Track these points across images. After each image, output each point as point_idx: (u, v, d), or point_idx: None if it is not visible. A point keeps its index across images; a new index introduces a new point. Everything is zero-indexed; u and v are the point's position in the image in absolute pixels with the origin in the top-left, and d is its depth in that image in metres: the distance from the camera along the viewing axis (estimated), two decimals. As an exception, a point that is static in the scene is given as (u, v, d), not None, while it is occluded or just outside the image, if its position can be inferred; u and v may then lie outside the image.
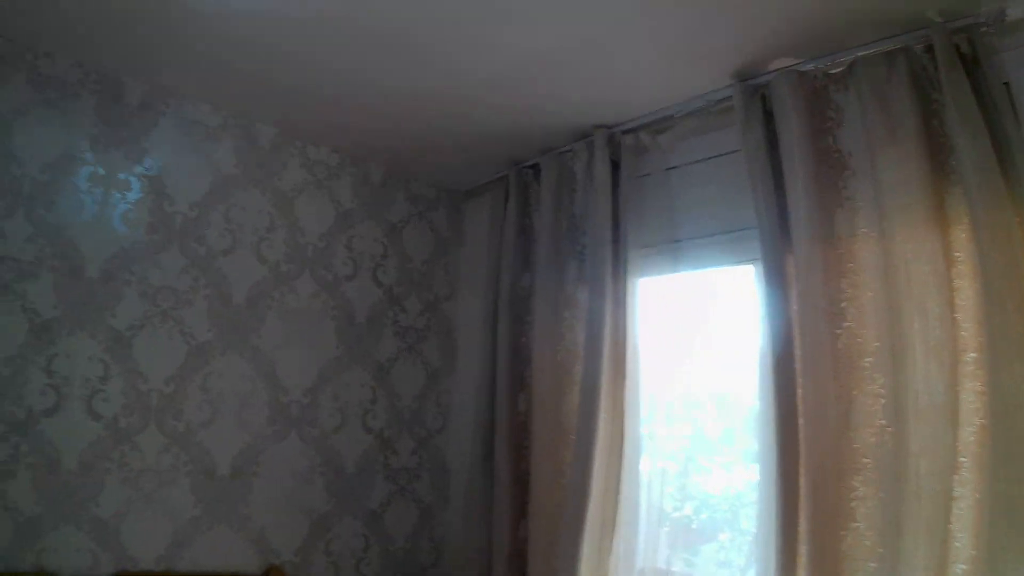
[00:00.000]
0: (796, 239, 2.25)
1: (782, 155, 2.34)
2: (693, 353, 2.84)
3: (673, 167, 2.89)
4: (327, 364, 3.39)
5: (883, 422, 2.08)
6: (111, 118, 2.92)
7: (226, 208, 3.15)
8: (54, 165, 2.77)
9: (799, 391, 2.19)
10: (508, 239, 3.33)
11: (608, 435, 2.72)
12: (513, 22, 2.39)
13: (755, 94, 2.47)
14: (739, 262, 2.64)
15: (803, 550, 2.11)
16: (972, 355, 1.96)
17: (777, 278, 2.29)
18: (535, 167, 3.33)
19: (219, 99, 3.16)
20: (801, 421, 2.19)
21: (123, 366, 2.86)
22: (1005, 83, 2.07)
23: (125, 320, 2.88)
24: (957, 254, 2.05)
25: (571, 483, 2.76)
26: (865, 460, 2.09)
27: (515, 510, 3.13)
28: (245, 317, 3.17)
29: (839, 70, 2.34)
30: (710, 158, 2.78)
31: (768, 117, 2.43)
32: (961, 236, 2.05)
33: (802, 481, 2.16)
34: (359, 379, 3.48)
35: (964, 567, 1.86)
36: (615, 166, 2.92)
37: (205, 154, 3.14)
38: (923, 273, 2.03)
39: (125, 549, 2.84)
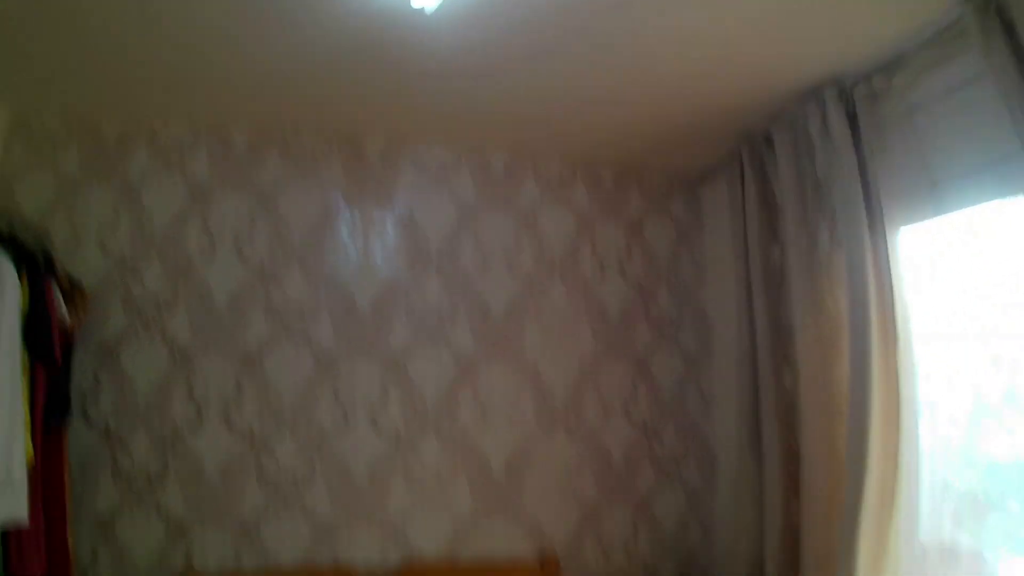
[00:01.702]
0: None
1: (1034, 68, 2.07)
2: (969, 303, 2.67)
3: (915, 106, 2.72)
4: (587, 362, 3.71)
5: None
6: (358, 174, 3.51)
7: (474, 233, 3.63)
8: (317, 222, 3.41)
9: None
10: (751, 215, 3.37)
11: (883, 405, 2.64)
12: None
13: (988, 9, 2.28)
14: (1008, 194, 2.42)
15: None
16: None
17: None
18: (767, 138, 3.32)
19: (452, 139, 3.67)
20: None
21: (400, 386, 3.40)
22: None
23: (399, 345, 3.42)
24: None
25: (847, 457, 2.73)
26: None
27: (786, 489, 3.16)
28: (505, 328, 3.59)
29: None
30: (955, 89, 2.57)
31: (1009, 29, 2.22)
32: None
33: None
34: (619, 373, 3.76)
35: None
36: (852, 119, 2.84)
37: (447, 189, 3.64)
38: None
39: (411, 543, 3.36)
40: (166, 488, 3.09)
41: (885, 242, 2.71)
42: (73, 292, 2.76)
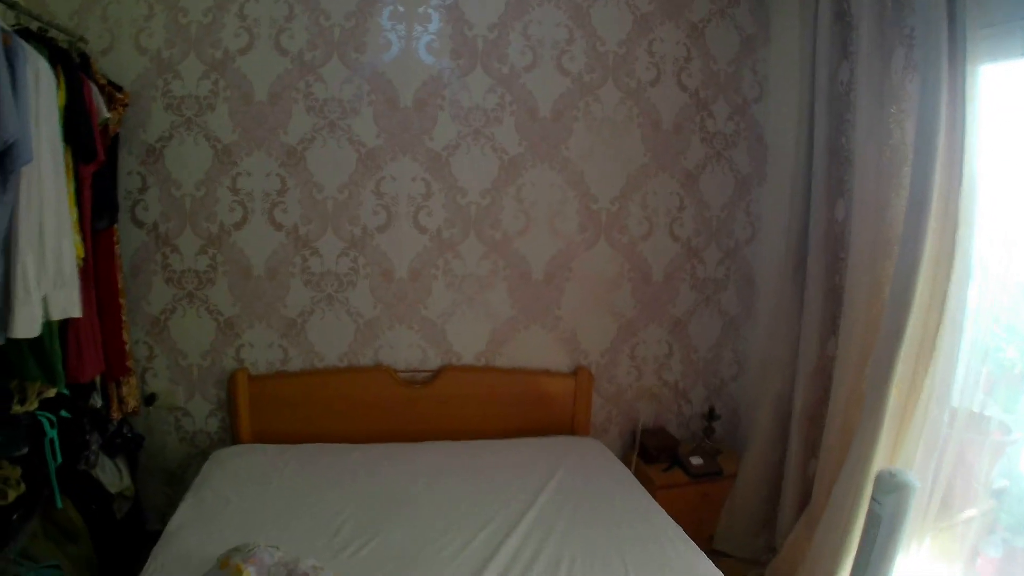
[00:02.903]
0: None
1: None
2: None
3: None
4: (635, 172, 3.70)
5: None
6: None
7: (523, 25, 3.46)
8: (357, 11, 3.27)
9: None
10: (822, 28, 3.19)
11: (937, 250, 2.57)
12: None
13: None
14: None
15: None
16: None
17: None
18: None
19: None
20: None
21: (443, 183, 3.44)
22: None
23: (442, 141, 3.42)
24: None
25: (891, 299, 2.75)
26: None
27: (824, 325, 3.28)
28: (552, 129, 3.55)
29: None
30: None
31: None
32: None
33: None
34: (667, 187, 3.77)
35: None
36: (946, -72, 2.48)
37: (495, -25, 3.39)
38: None
39: (451, 346, 3.60)
40: (216, 287, 3.30)
41: (964, 76, 2.54)
42: (111, 91, 2.79)
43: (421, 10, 3.34)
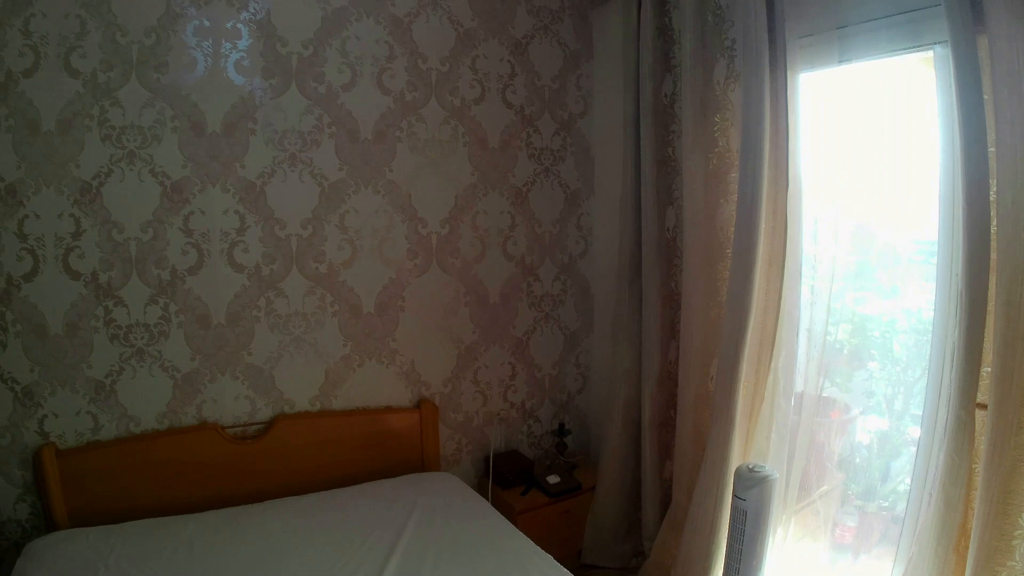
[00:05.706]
0: (991, 14, 1.94)
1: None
2: (864, 159, 2.68)
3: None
4: (463, 192, 3.58)
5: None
6: (206, -31, 2.96)
7: (341, 42, 3.22)
8: (158, 26, 2.88)
9: (993, 192, 2.00)
10: (645, 42, 3.20)
11: (769, 249, 2.68)
12: None
13: None
14: (917, 47, 2.36)
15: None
16: None
17: (967, 61, 2.02)
18: (671, -42, 3.13)
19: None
20: (994, 227, 2.00)
21: (259, 214, 3.12)
22: None
23: (255, 169, 3.11)
24: None
25: (730, 301, 2.81)
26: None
27: (665, 331, 3.32)
28: (375, 151, 3.34)
29: None
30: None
31: None
32: None
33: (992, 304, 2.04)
34: (497, 206, 3.68)
35: None
36: (763, -55, 2.58)
37: (311, -11, 3.14)
38: None
39: (281, 393, 3.29)
40: (7, 351, 2.78)
41: (785, 84, 2.64)
42: None
43: (229, 25, 3.01)
